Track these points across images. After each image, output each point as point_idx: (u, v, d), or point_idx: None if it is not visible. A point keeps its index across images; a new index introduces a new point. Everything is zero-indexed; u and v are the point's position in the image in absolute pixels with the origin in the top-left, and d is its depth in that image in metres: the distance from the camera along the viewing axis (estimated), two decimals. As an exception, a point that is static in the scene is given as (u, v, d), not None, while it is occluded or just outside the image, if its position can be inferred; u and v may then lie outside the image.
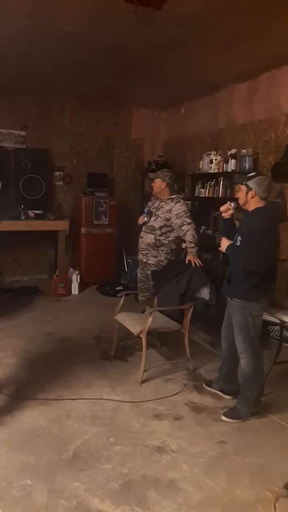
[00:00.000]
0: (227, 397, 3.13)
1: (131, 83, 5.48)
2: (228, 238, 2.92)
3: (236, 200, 2.95)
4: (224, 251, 2.90)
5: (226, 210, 2.98)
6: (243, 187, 2.79)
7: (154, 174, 4.14)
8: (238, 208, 2.95)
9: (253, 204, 2.79)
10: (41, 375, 3.40)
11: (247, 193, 2.77)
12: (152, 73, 4.92)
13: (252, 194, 2.75)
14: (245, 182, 2.78)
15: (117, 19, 3.39)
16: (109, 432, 2.66)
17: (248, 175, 2.85)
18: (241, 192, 2.81)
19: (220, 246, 2.94)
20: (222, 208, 3.00)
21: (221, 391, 3.17)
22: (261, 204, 2.77)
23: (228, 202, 3.00)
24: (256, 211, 2.78)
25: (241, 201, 2.83)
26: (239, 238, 2.80)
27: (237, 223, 3.04)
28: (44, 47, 4.15)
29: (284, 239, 4.46)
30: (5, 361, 3.64)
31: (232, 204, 2.96)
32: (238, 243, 2.80)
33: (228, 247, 2.85)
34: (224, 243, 2.89)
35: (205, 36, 3.75)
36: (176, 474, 2.31)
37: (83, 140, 6.64)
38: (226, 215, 3.00)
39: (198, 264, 3.59)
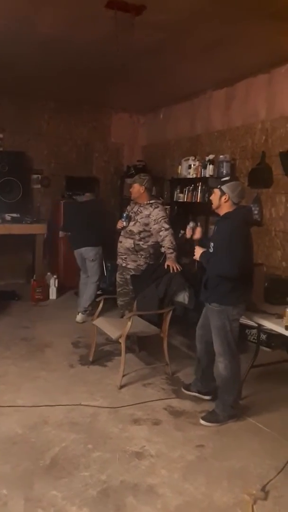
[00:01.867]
0: (205, 397, 3.15)
1: (110, 87, 5.49)
2: (202, 245, 2.97)
3: (191, 221, 3.08)
4: (198, 259, 2.93)
5: (189, 233, 3.13)
6: (217, 191, 2.84)
7: (131, 180, 4.14)
8: (210, 211, 3.05)
9: (225, 208, 2.84)
10: (18, 382, 3.34)
11: (220, 197, 2.82)
12: (131, 78, 4.94)
13: (225, 199, 2.80)
14: (219, 186, 2.83)
15: (97, 24, 3.40)
16: (88, 439, 2.63)
17: (222, 180, 2.91)
18: (215, 196, 2.87)
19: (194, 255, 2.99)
20: (187, 235, 3.17)
21: (199, 392, 3.19)
22: (232, 208, 2.83)
23: (187, 227, 3.18)
24: (226, 215, 2.83)
25: (214, 205, 2.89)
26: (212, 244, 2.85)
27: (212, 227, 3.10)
28: (22, 48, 4.11)
29: (260, 244, 4.54)
30: (-19, 368, 3.56)
31: (191, 225, 3.10)
32: (211, 250, 2.84)
33: (202, 255, 2.89)
34: (198, 251, 2.93)
35: (183, 43, 3.80)
36: (155, 479, 2.30)
37: (62, 144, 6.60)
38: (195, 236, 3.13)
39: (177, 269, 3.61)
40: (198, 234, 3.13)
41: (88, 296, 4.86)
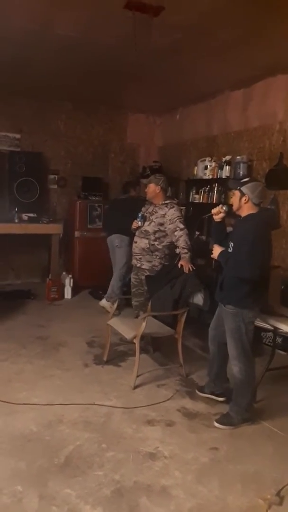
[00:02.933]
0: (219, 399, 3.13)
1: (127, 88, 5.50)
2: (220, 244, 2.92)
3: (228, 204, 2.96)
4: (216, 258, 2.90)
5: (217, 213, 2.98)
6: (237, 193, 2.81)
7: (146, 180, 4.14)
8: (229, 213, 2.97)
9: (246, 209, 2.80)
10: (33, 380, 3.37)
11: (240, 198, 2.79)
12: (148, 78, 4.95)
13: (245, 200, 2.77)
14: (239, 187, 2.80)
15: (115, 25, 3.41)
16: (101, 438, 2.64)
17: (242, 181, 2.87)
18: (235, 198, 2.83)
19: (212, 253, 2.94)
20: (214, 211, 3.01)
21: (213, 394, 3.17)
22: (254, 210, 2.79)
23: (220, 205, 3.01)
24: (249, 217, 2.79)
25: (234, 207, 2.85)
26: (231, 244, 2.81)
27: (230, 229, 3.06)
28: (41, 51, 4.15)
29: (277, 246, 4.49)
30: (-3, 365, 3.61)
31: (224, 208, 2.97)
32: (231, 250, 2.81)
33: (220, 254, 2.85)
34: (216, 250, 2.89)
35: (201, 43, 3.78)
36: (169, 481, 2.30)
37: (78, 144, 6.65)
38: (217, 217, 3.00)
39: (191, 269, 3.60)
40: (218, 218, 3.00)
41: (113, 283, 5.14)
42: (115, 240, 5.16)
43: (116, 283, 5.17)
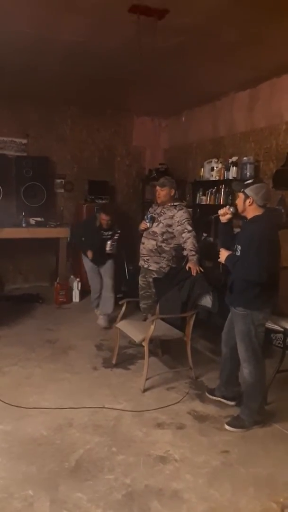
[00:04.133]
0: (230, 403, 3.11)
1: (132, 91, 5.51)
2: (227, 247, 2.90)
3: (235, 206, 2.94)
4: (223, 262, 2.88)
5: (224, 214, 2.96)
6: (241, 195, 2.79)
7: (160, 183, 4.08)
8: (236, 214, 2.95)
9: (251, 211, 2.78)
10: (43, 384, 3.38)
11: (245, 200, 2.77)
12: (153, 81, 4.95)
13: (250, 202, 2.75)
14: (242, 189, 2.78)
15: (119, 29, 3.42)
16: (112, 442, 2.64)
17: (245, 183, 2.84)
18: (239, 200, 2.81)
19: (219, 257, 2.92)
20: (220, 212, 2.99)
21: (224, 397, 3.15)
22: (259, 211, 2.77)
23: (227, 206, 2.99)
24: (254, 219, 2.77)
25: (239, 209, 2.83)
26: (239, 247, 2.79)
27: (237, 230, 3.04)
28: (46, 55, 4.17)
29: (285, 246, 4.45)
30: (6, 369, 3.62)
31: (231, 209, 2.95)
32: (238, 253, 2.79)
33: (227, 258, 2.84)
34: (223, 254, 2.87)
35: (206, 45, 3.78)
36: (180, 484, 2.28)
37: (84, 148, 6.67)
38: (223, 219, 2.98)
39: (198, 271, 3.58)
40: (225, 219, 2.98)
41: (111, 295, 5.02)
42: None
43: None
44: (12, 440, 2.61)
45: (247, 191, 2.75)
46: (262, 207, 2.77)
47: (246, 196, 2.75)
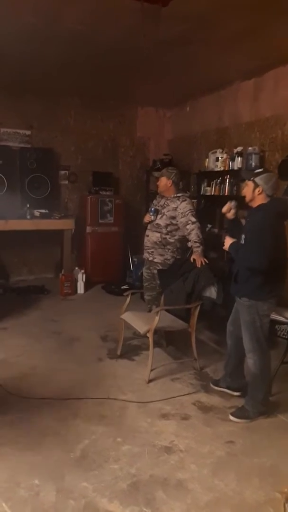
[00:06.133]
0: (235, 393, 3.11)
1: (136, 81, 5.46)
2: (232, 236, 2.89)
3: (241, 196, 2.92)
4: (227, 249, 2.87)
5: (228, 210, 2.96)
6: (250, 183, 2.76)
7: (158, 173, 4.11)
8: (241, 205, 2.93)
9: (259, 200, 2.76)
10: (48, 375, 3.40)
11: (254, 189, 2.74)
12: (157, 71, 4.90)
13: (259, 191, 2.72)
14: (252, 178, 2.76)
15: (123, 17, 3.38)
16: (117, 432, 2.65)
17: (255, 171, 2.82)
18: (248, 188, 2.78)
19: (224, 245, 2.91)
20: (224, 210, 2.99)
21: (229, 388, 3.15)
22: (266, 201, 2.75)
23: (228, 202, 2.99)
24: (260, 207, 2.75)
25: (247, 198, 2.81)
26: (243, 236, 2.78)
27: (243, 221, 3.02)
28: (49, 45, 4.13)
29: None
30: (12, 361, 3.65)
31: (233, 203, 2.94)
32: (242, 241, 2.77)
33: (231, 245, 2.82)
34: (227, 241, 2.86)
35: (211, 34, 3.72)
36: (185, 474, 2.29)
37: (88, 139, 6.63)
38: (229, 215, 2.98)
39: (203, 263, 3.57)
40: (231, 215, 2.98)
41: None
42: None
43: None
44: (18, 430, 2.64)
45: (257, 180, 2.72)
46: (270, 196, 2.75)
47: (256, 185, 2.73)
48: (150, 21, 3.28)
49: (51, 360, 3.69)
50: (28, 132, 6.20)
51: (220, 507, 2.07)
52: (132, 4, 3.08)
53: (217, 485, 2.22)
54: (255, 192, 2.74)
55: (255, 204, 2.78)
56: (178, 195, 3.97)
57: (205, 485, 2.21)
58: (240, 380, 3.11)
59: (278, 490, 2.18)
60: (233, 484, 2.23)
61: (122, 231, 6.35)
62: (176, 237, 3.96)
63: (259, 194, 2.73)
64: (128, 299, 3.82)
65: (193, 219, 3.84)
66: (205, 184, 5.62)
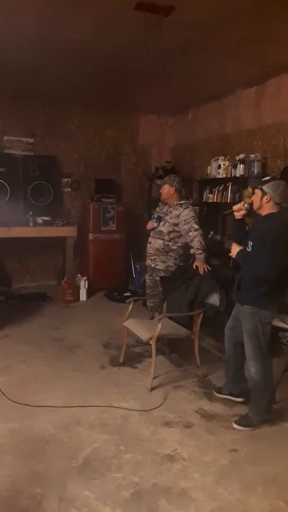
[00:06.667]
0: (237, 399, 3.09)
1: (138, 89, 5.50)
2: (239, 243, 2.88)
3: (250, 203, 2.91)
4: (234, 256, 2.86)
5: (239, 210, 2.93)
6: (258, 192, 2.76)
7: (161, 181, 4.13)
8: (250, 210, 2.92)
9: (267, 209, 2.75)
10: (50, 382, 3.39)
11: (262, 197, 2.73)
12: (159, 79, 4.94)
13: (267, 199, 2.72)
14: (260, 186, 2.76)
15: (125, 26, 3.41)
16: (119, 440, 2.64)
17: (263, 179, 2.81)
18: (256, 197, 2.78)
19: (230, 252, 2.90)
20: (235, 207, 2.95)
21: (231, 394, 3.13)
22: (275, 209, 2.73)
23: (242, 202, 2.97)
24: (269, 216, 2.74)
25: (255, 206, 2.80)
26: (250, 243, 2.77)
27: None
28: (52, 54, 4.17)
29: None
30: (14, 368, 3.64)
31: (246, 205, 2.92)
32: (249, 249, 2.77)
33: (239, 253, 2.81)
34: (235, 249, 2.85)
35: (212, 42, 3.75)
36: (188, 483, 2.27)
37: (90, 147, 6.67)
38: (238, 215, 2.95)
39: (206, 270, 3.57)
40: (239, 215, 2.94)
41: None
42: None
43: None
44: (20, 438, 2.63)
45: (264, 187, 2.72)
46: (278, 204, 2.74)
47: (264, 193, 2.72)
48: (152, 30, 3.32)
49: (53, 367, 3.68)
50: (31, 140, 6.24)
51: (224, 517, 2.05)
52: (134, 14, 3.12)
53: (220, 493, 2.20)
54: (263, 200, 2.73)
55: (263, 212, 2.78)
56: (181, 202, 3.98)
57: (208, 494, 2.19)
58: (241, 384, 3.10)
59: (282, 498, 2.16)
60: (237, 493, 2.21)
61: (125, 238, 6.36)
62: (178, 244, 3.96)
63: (267, 202, 2.72)
64: (131, 306, 3.82)
65: (196, 226, 3.84)
66: (207, 191, 5.63)
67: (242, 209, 2.91)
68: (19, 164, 6.03)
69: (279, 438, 2.73)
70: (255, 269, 2.67)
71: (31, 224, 5.67)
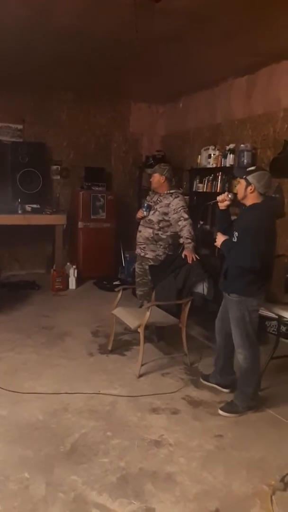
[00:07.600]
0: (224, 390, 3.14)
1: (129, 77, 5.45)
2: (223, 232, 2.90)
3: (234, 193, 2.92)
4: (219, 246, 2.88)
5: (223, 200, 2.94)
6: (243, 182, 2.77)
7: (151, 169, 4.12)
8: (234, 201, 2.93)
9: (251, 199, 2.76)
10: (39, 369, 3.40)
11: (246, 187, 2.74)
12: (150, 67, 4.89)
13: (251, 189, 2.73)
14: (244, 176, 2.76)
15: (115, 11, 3.36)
16: (107, 426, 2.67)
17: (248, 169, 2.82)
18: (240, 186, 2.79)
19: (215, 241, 2.92)
20: (219, 198, 2.97)
21: (219, 385, 3.18)
22: (259, 199, 2.75)
23: (226, 193, 2.98)
24: (254, 207, 2.76)
25: (239, 195, 2.81)
26: (236, 234, 2.79)
27: (233, 217, 3.03)
28: (41, 39, 4.10)
29: (281, 235, 4.46)
30: (3, 355, 3.64)
31: (230, 195, 2.93)
32: (235, 239, 2.79)
33: (224, 243, 2.83)
34: (220, 239, 2.87)
35: (204, 30, 3.72)
36: (174, 467, 2.32)
37: (80, 134, 6.61)
38: (222, 205, 2.96)
39: (194, 259, 3.59)
40: (223, 206, 2.95)
41: None
42: None
43: None
44: (9, 424, 2.64)
45: (249, 178, 2.72)
46: (262, 195, 2.75)
47: (248, 183, 2.72)
48: (143, 16, 3.27)
49: (42, 354, 3.69)
50: (20, 126, 6.16)
51: (208, 499, 2.10)
52: (125, -1, 3.07)
53: (205, 477, 2.25)
54: (247, 190, 2.74)
55: (247, 202, 2.79)
56: (171, 191, 3.98)
57: (193, 478, 2.24)
58: (229, 377, 3.15)
59: (265, 482, 2.22)
60: (222, 477, 2.26)
61: (114, 227, 6.35)
62: (168, 233, 3.97)
63: (251, 192, 2.73)
64: (120, 295, 3.84)
65: (185, 216, 3.85)
66: (197, 180, 5.64)
67: (226, 200, 2.93)
68: (8, 151, 5.95)
69: (263, 424, 2.79)
70: (240, 259, 2.70)
71: (19, 212, 5.62)
